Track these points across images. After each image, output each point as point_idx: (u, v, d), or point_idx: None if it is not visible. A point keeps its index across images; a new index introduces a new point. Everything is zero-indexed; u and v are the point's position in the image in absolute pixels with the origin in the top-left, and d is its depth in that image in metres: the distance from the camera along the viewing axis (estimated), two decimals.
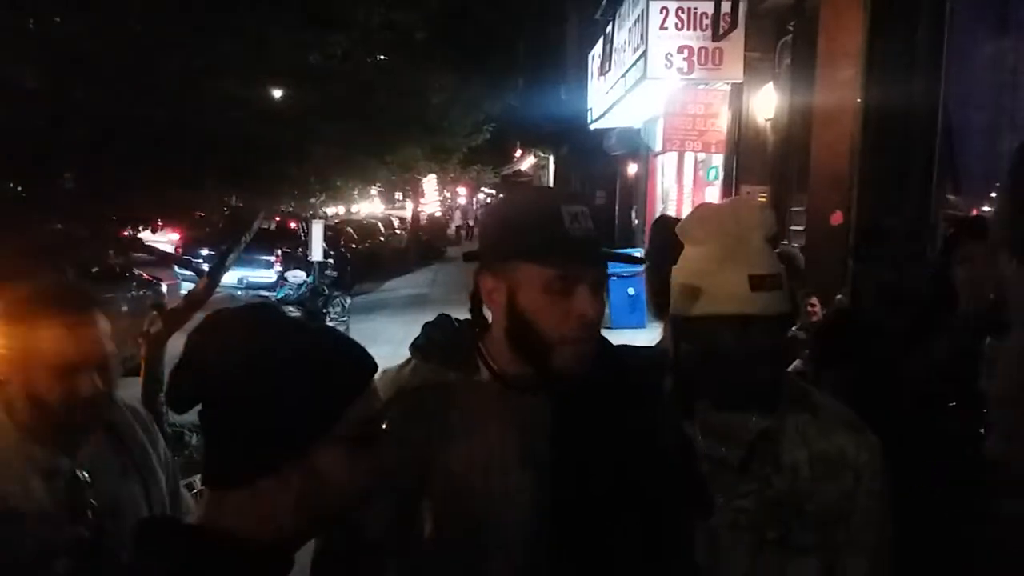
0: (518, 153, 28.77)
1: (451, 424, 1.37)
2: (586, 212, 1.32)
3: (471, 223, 36.36)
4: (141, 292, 9.65)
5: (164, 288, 10.27)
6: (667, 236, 1.79)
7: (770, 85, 7.54)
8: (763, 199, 7.43)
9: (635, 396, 1.43)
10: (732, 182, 8.04)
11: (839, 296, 4.97)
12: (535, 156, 27.74)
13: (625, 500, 1.31)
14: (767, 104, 7.56)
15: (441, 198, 40.92)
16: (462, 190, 40.70)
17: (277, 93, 6.35)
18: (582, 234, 1.30)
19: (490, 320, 1.41)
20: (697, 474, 1.43)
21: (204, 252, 11.94)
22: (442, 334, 1.46)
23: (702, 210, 1.63)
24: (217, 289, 7.74)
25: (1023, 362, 0.36)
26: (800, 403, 1.47)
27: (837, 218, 5.59)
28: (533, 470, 1.35)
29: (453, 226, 36.33)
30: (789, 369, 3.88)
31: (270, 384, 0.98)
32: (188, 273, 9.18)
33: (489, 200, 38.40)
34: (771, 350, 1.42)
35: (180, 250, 13.18)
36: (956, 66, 4.85)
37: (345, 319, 11.52)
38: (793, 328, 4.61)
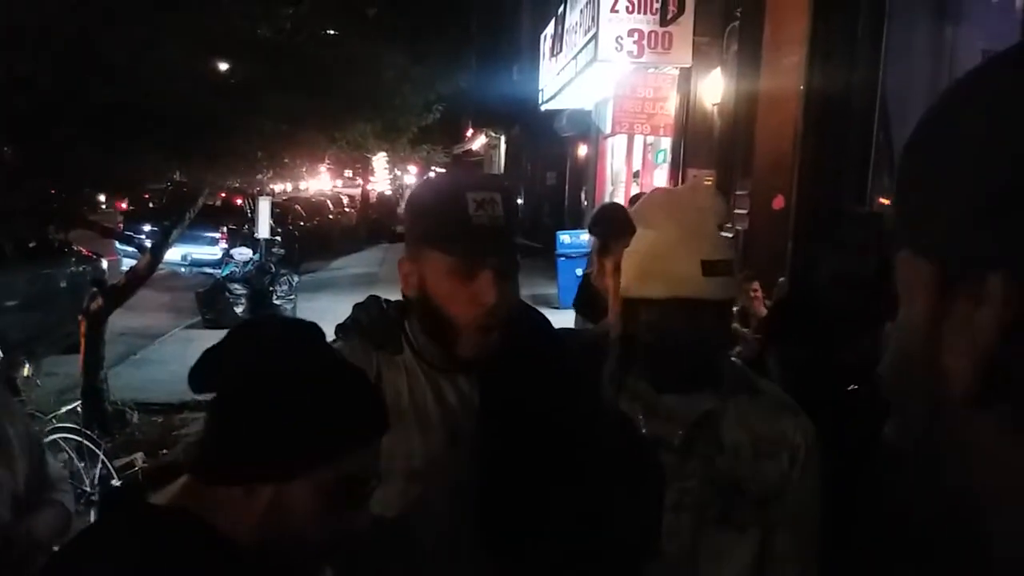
0: (469, 133, 28.64)
1: None
2: (496, 199, 1.33)
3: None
4: (81, 268, 9.42)
5: (105, 264, 10.05)
6: (610, 215, 1.81)
7: (718, 70, 7.63)
8: (709, 182, 7.55)
9: (567, 376, 1.46)
10: (680, 165, 8.14)
11: (781, 279, 5.09)
12: (486, 136, 27.65)
13: (551, 478, 1.33)
14: (714, 89, 7.66)
15: (391, 177, 40.55)
16: (412, 169, 40.40)
17: (224, 66, 6.23)
18: (486, 220, 1.31)
19: None
20: (638, 453, 1.47)
21: (147, 228, 11.68)
22: (368, 316, 1.48)
23: (658, 194, 1.67)
24: (160, 266, 7.61)
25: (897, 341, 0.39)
26: (741, 386, 1.51)
27: (779, 202, 5.71)
28: (456, 448, 1.38)
29: (403, 205, 36.04)
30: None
31: (287, 405, 0.99)
32: (130, 249, 8.98)
33: None
34: (719, 334, 1.47)
35: (122, 225, 12.86)
36: (896, 54, 4.98)
37: (292, 297, 11.40)
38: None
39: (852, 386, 2.21)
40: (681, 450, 1.45)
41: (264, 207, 11.99)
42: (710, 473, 1.44)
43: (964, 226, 0.40)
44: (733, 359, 1.71)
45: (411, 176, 44.70)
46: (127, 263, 9.12)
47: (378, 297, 1.53)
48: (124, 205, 16.28)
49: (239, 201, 16.12)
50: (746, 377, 1.56)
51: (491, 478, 1.36)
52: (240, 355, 1.03)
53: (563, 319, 3.44)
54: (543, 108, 13.93)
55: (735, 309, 4.78)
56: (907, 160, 0.45)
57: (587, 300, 3.33)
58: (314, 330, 1.08)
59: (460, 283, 1.32)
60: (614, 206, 2.14)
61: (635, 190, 10.86)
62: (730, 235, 6.33)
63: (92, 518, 4.10)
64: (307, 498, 0.99)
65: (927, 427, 0.43)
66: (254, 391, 1.00)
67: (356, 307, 1.50)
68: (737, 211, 6.62)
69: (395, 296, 1.53)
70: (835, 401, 2.15)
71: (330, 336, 1.49)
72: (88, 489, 4.75)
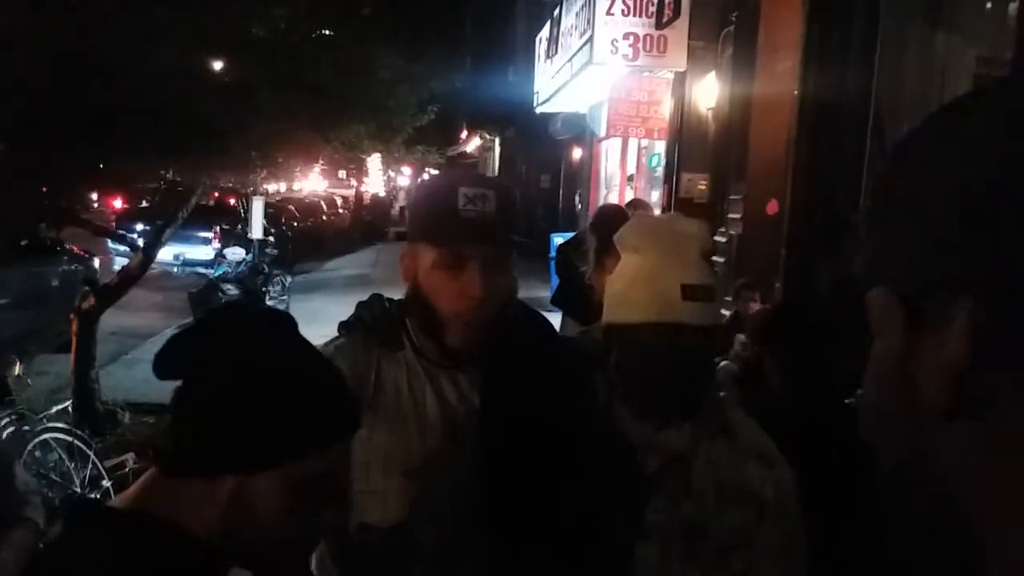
0: (464, 135, 28.64)
1: (376, 398, 1.40)
2: (488, 195, 1.36)
3: None
4: (73, 267, 9.40)
5: (97, 263, 10.01)
6: (609, 218, 1.82)
7: (712, 74, 7.65)
8: (703, 187, 7.56)
9: (566, 379, 1.46)
10: (674, 169, 8.15)
11: (777, 285, 5.10)
12: (481, 138, 27.65)
13: (549, 477, 1.34)
14: (709, 93, 7.68)
15: (385, 178, 40.52)
16: (407, 170, 40.38)
17: (219, 65, 6.22)
18: (474, 215, 1.34)
19: None
20: (627, 462, 1.46)
21: (139, 227, 11.65)
22: (370, 313, 1.50)
23: (639, 221, 1.65)
24: (153, 265, 7.58)
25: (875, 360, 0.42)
26: (717, 427, 1.48)
27: (773, 207, 5.73)
28: (455, 445, 1.39)
29: (397, 207, 36.06)
30: (727, 355, 3.98)
31: (256, 395, 0.96)
32: (123, 248, 8.96)
33: None
34: (697, 361, 1.43)
35: (115, 224, 12.83)
36: (889, 60, 4.99)
37: (285, 298, 11.38)
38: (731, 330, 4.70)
39: (856, 393, 2.21)
40: (653, 483, 1.44)
41: (257, 207, 11.97)
42: (676, 512, 1.42)
43: (926, 254, 0.43)
44: (721, 367, 1.70)
45: (405, 178, 44.72)
46: (120, 262, 9.09)
47: (381, 295, 1.55)
48: (119, 204, 16.23)
49: (232, 201, 16.10)
50: (725, 415, 1.52)
51: (490, 476, 1.36)
52: (210, 341, 0.99)
53: (557, 320, 3.44)
54: (538, 111, 13.93)
55: (728, 313, 4.81)
56: (872, 200, 0.49)
57: (575, 299, 3.32)
58: (287, 320, 1.05)
59: (447, 276, 1.35)
60: (615, 207, 2.15)
61: (629, 193, 10.88)
62: (723, 239, 6.35)
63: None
64: (273, 492, 0.96)
65: (907, 447, 0.46)
66: (221, 378, 0.96)
67: (359, 305, 1.53)
68: (731, 215, 6.63)
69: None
70: (836, 408, 2.15)
71: (322, 333, 1.51)
72: (78, 490, 4.73)
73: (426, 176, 43.39)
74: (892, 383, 0.46)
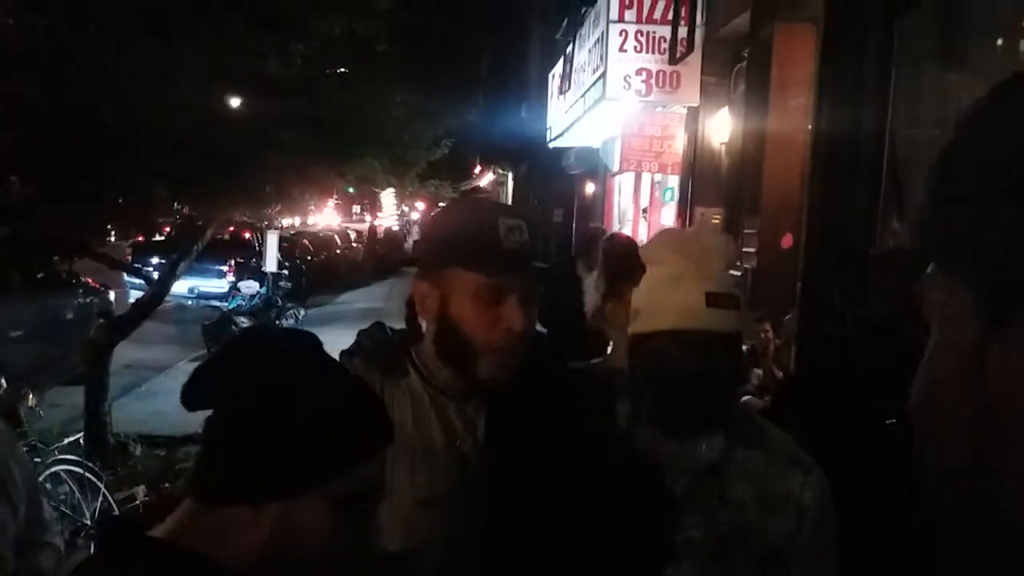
0: (477, 169, 28.82)
1: None
2: (523, 226, 1.34)
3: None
4: (88, 299, 9.46)
5: (112, 296, 10.07)
6: (620, 250, 1.82)
7: (725, 110, 7.68)
8: (717, 221, 7.55)
9: (578, 408, 1.44)
10: (687, 203, 8.14)
11: (788, 316, 5.06)
12: (494, 173, 27.81)
13: (559, 508, 1.31)
14: (722, 128, 7.70)
15: (399, 212, 40.76)
16: (420, 204, 40.63)
17: (235, 100, 6.29)
18: (516, 246, 1.32)
19: (424, 328, 1.43)
20: (651, 485, 1.44)
21: (155, 260, 11.73)
22: (372, 340, 1.48)
23: (665, 233, 1.68)
24: (167, 298, 7.61)
25: (928, 366, 0.38)
26: (749, 436, 1.47)
27: (787, 241, 5.70)
28: (461, 475, 1.37)
29: (410, 241, 36.22)
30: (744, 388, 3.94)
31: (293, 419, 0.95)
32: (137, 281, 9.01)
33: None
34: (724, 368, 1.42)
35: (130, 257, 12.92)
36: (903, 98, 4.99)
37: (257, 324, 11.41)
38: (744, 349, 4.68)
39: (890, 421, 2.17)
40: (685, 499, 1.42)
41: (272, 241, 12.05)
42: (713, 526, 1.40)
43: (1019, 251, 0.38)
44: (744, 401, 1.69)
45: (418, 213, 44.97)
46: (134, 295, 9.14)
47: (383, 323, 1.53)
48: (141, 238, 16.32)
49: (247, 235, 16.20)
50: (755, 425, 1.51)
51: (498, 506, 1.34)
52: (239, 368, 0.98)
53: None
54: (551, 145, 14.01)
55: (745, 347, 4.77)
56: (949, 183, 0.44)
57: (579, 340, 3.27)
58: (313, 340, 1.05)
59: (486, 305, 1.31)
60: (625, 239, 2.14)
61: (643, 226, 10.88)
62: (738, 274, 6.32)
63: (91, 551, 4.06)
64: (317, 514, 0.95)
65: (972, 457, 0.41)
66: (257, 403, 0.95)
67: (360, 332, 1.50)
68: (745, 250, 6.61)
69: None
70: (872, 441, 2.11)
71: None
72: (88, 522, 4.71)
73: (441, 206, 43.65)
74: (959, 384, 0.41)
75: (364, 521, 1.02)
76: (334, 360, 1.05)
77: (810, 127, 5.54)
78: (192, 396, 0.99)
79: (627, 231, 11.77)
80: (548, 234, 20.46)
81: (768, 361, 4.62)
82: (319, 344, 1.04)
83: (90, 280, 9.82)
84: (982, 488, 0.42)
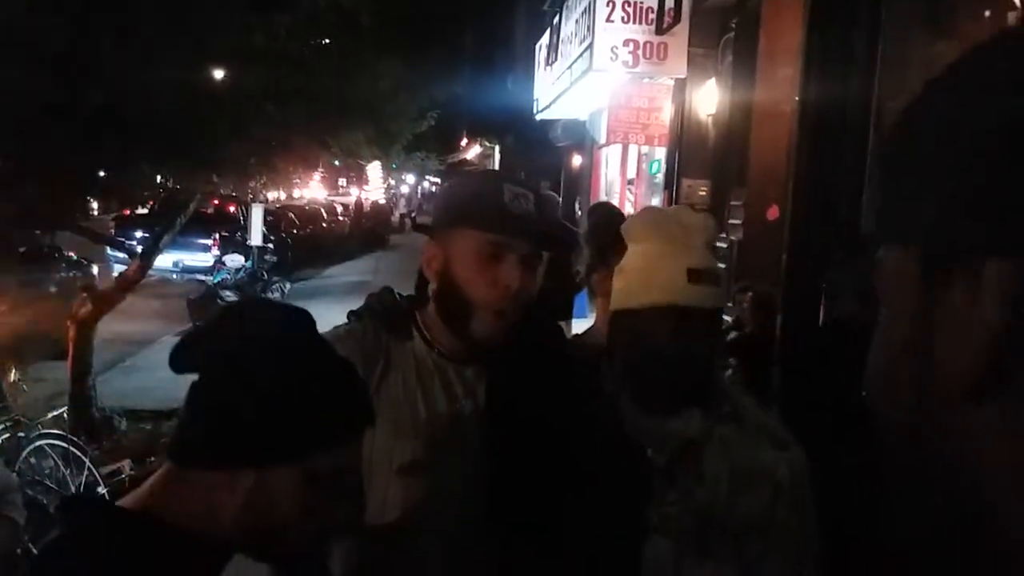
0: (464, 142, 28.67)
1: (381, 385, 1.39)
2: (529, 196, 1.38)
3: (415, 212, 36.12)
4: (71, 273, 9.39)
5: (95, 270, 10.00)
6: (606, 218, 1.82)
7: (712, 81, 7.64)
8: (703, 193, 7.55)
9: (570, 376, 1.46)
10: (674, 175, 8.13)
11: (768, 290, 5.07)
12: (481, 145, 27.66)
13: (555, 472, 1.33)
14: (709, 99, 7.67)
15: (386, 185, 40.56)
16: (407, 177, 40.45)
17: (219, 73, 6.22)
18: (520, 211, 1.36)
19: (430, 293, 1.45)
20: (636, 461, 1.44)
21: (138, 234, 11.63)
22: (381, 303, 1.50)
23: (646, 212, 1.69)
24: (151, 272, 7.55)
25: (877, 337, 0.38)
26: (727, 412, 1.47)
27: (773, 213, 5.71)
28: (461, 437, 1.39)
29: (397, 214, 36.07)
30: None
31: (280, 388, 0.96)
32: (121, 255, 8.94)
33: (435, 188, 38.17)
34: (703, 344, 1.43)
35: (114, 231, 12.81)
36: (890, 67, 4.98)
37: (256, 296, 11.38)
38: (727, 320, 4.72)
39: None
40: (665, 474, 1.43)
41: (257, 214, 11.97)
42: (689, 503, 1.41)
43: (955, 211, 0.38)
44: (724, 377, 1.68)
45: (406, 186, 44.71)
46: (118, 269, 9.07)
47: (391, 288, 1.56)
48: (125, 211, 16.19)
49: (232, 208, 16.08)
50: (734, 401, 1.51)
51: (495, 468, 1.36)
52: (229, 334, 0.99)
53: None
54: (538, 118, 13.93)
55: (729, 319, 4.79)
56: (891, 147, 0.42)
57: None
58: (306, 316, 1.05)
59: (487, 263, 1.35)
60: (609, 208, 2.14)
61: (629, 198, 10.87)
62: (724, 245, 6.33)
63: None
64: (292, 486, 0.96)
65: (919, 429, 0.40)
66: (242, 370, 0.96)
67: (370, 295, 1.53)
68: (731, 221, 6.61)
69: None
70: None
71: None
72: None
73: (427, 183, 43.46)
74: (904, 354, 0.40)
75: (338, 498, 1.02)
76: (324, 339, 1.06)
77: (797, 98, 5.52)
78: (181, 358, 0.99)
79: (613, 202, 11.76)
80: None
81: (749, 330, 4.65)
82: (312, 322, 1.05)
83: (73, 254, 9.73)
84: (923, 457, 0.42)
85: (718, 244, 1.48)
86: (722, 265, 5.81)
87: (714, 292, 1.42)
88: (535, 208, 1.38)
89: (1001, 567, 0.38)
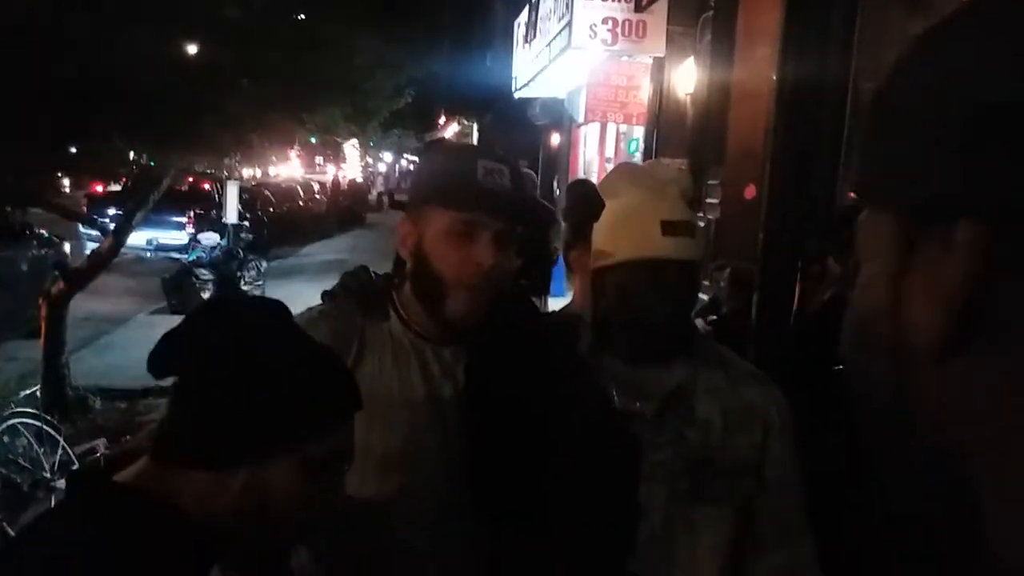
0: (442, 120, 28.50)
1: (356, 367, 1.37)
2: (504, 170, 1.35)
3: (394, 190, 35.94)
4: (43, 251, 9.24)
5: (67, 247, 9.86)
6: (583, 194, 1.81)
7: (691, 60, 7.64)
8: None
9: (547, 354, 1.45)
10: (652, 154, 8.14)
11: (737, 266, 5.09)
12: (459, 123, 27.52)
13: (534, 452, 1.33)
14: (688, 78, 7.67)
15: (363, 164, 40.26)
16: (384, 155, 40.18)
17: (192, 46, 6.12)
18: (493, 187, 1.33)
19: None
20: (617, 427, 1.45)
21: (111, 211, 11.47)
22: (355, 282, 1.48)
23: (620, 167, 1.68)
24: (125, 250, 7.46)
25: (854, 301, 0.39)
26: (710, 359, 1.50)
27: (751, 192, 5.73)
28: (439, 418, 1.37)
29: (375, 192, 35.85)
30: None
31: (266, 382, 0.95)
32: (94, 233, 8.81)
33: (412, 167, 37.99)
34: (682, 294, 1.45)
35: (86, 208, 12.62)
36: (868, 47, 5.00)
37: (260, 283, 11.27)
38: (704, 298, 4.75)
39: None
40: (654, 423, 1.44)
41: (232, 192, 11.82)
42: (681, 446, 1.43)
43: (927, 171, 0.39)
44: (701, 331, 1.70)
45: (384, 164, 44.41)
46: (91, 246, 8.94)
47: (367, 267, 1.53)
48: (99, 188, 15.97)
49: (207, 186, 15.89)
50: (715, 349, 1.56)
51: (476, 451, 1.35)
52: (207, 335, 0.98)
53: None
54: (516, 96, 13.88)
55: (705, 297, 4.81)
56: (873, 112, 0.44)
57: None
58: (280, 308, 1.04)
59: (459, 241, 1.33)
60: (586, 185, 2.12)
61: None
62: (701, 224, 6.35)
63: (52, 504, 4.02)
64: (286, 478, 0.96)
65: (894, 387, 0.41)
66: (225, 371, 0.95)
67: (345, 274, 1.51)
68: (709, 200, 6.63)
69: None
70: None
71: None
72: (47, 475, 4.66)
73: (404, 162, 43.18)
74: (879, 314, 0.41)
75: (332, 485, 1.03)
76: (301, 329, 1.05)
77: (775, 77, 5.53)
78: (159, 363, 0.98)
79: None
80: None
81: (726, 311, 4.67)
82: (288, 312, 1.05)
83: (44, 231, 9.59)
84: (899, 419, 0.42)
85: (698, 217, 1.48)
86: (700, 216, 5.84)
87: (689, 243, 1.42)
88: (511, 182, 1.35)
89: (979, 531, 0.38)
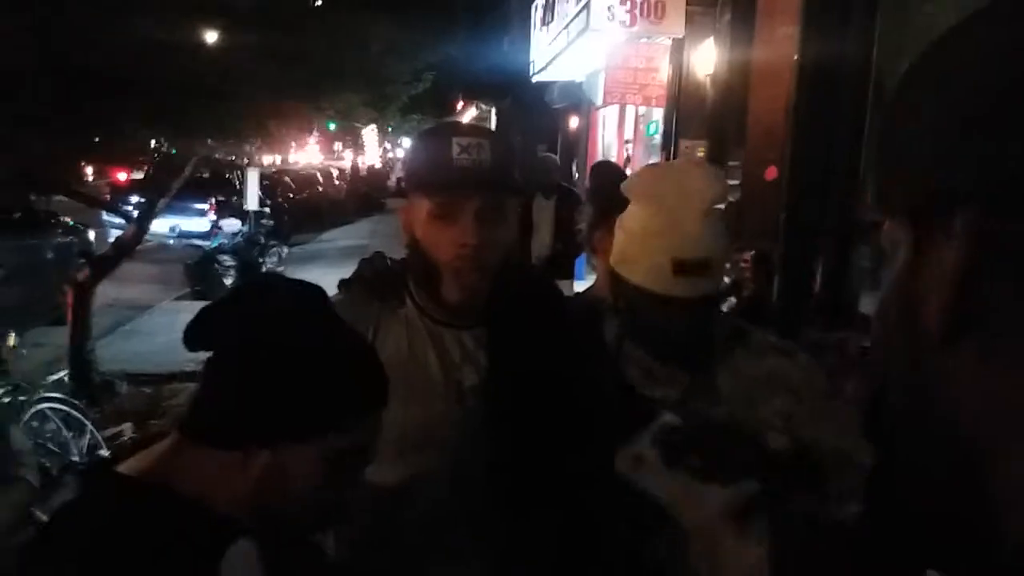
0: (460, 105, 28.42)
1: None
2: (483, 144, 1.33)
3: None
4: (68, 239, 9.36)
5: (91, 235, 9.97)
6: (608, 174, 1.80)
7: (711, 40, 7.56)
8: (701, 153, 7.51)
9: (571, 338, 1.45)
10: (672, 136, 8.08)
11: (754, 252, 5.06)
12: (477, 108, 27.43)
13: (557, 437, 1.33)
14: (707, 59, 7.59)
15: (382, 150, 40.30)
16: (403, 141, 40.16)
17: (209, 33, 6.15)
18: (469, 164, 1.32)
19: None
20: (639, 414, 1.45)
21: (135, 199, 11.57)
22: (372, 270, 1.48)
23: (648, 170, 1.62)
24: (148, 238, 7.53)
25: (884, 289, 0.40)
26: (732, 338, 1.49)
27: (771, 173, 5.69)
28: (459, 403, 1.38)
29: (393, 178, 35.88)
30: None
31: (298, 368, 0.95)
32: (117, 220, 8.90)
33: None
34: (692, 329, 1.43)
35: (110, 196, 12.74)
36: (888, 25, 4.93)
37: (281, 269, 11.35)
38: (726, 281, 4.73)
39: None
40: (679, 407, 1.44)
41: (252, 178, 11.88)
42: (706, 424, 1.42)
43: (928, 164, 0.41)
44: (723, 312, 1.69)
45: (402, 150, 44.40)
46: (114, 234, 9.04)
47: (383, 253, 1.53)
48: (124, 175, 16.08)
49: (227, 173, 15.98)
50: (737, 327, 1.54)
51: (496, 435, 1.35)
52: (246, 314, 0.97)
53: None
54: (534, 80, 13.80)
55: (728, 280, 4.80)
56: (882, 122, 0.47)
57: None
58: (319, 293, 1.04)
59: (441, 225, 1.33)
60: (611, 168, 2.11)
61: (627, 156, 10.81)
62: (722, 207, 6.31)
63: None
64: (308, 466, 0.95)
65: (910, 374, 0.44)
66: (259, 350, 0.95)
67: (362, 261, 1.52)
68: (729, 182, 6.58)
69: None
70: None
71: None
72: (76, 459, 4.73)
73: None
74: (897, 309, 0.44)
75: (352, 477, 1.02)
76: (339, 317, 1.04)
77: (796, 57, 5.47)
78: (195, 335, 0.97)
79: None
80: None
81: (746, 291, 4.66)
82: (326, 298, 1.05)
83: (69, 219, 9.70)
84: (915, 404, 0.45)
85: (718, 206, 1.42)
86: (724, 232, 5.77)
87: (701, 282, 1.37)
88: (490, 155, 1.33)
89: (992, 510, 0.40)
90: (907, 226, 0.43)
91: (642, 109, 9.75)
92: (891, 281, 0.45)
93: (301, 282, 1.06)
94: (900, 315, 0.44)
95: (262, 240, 11.61)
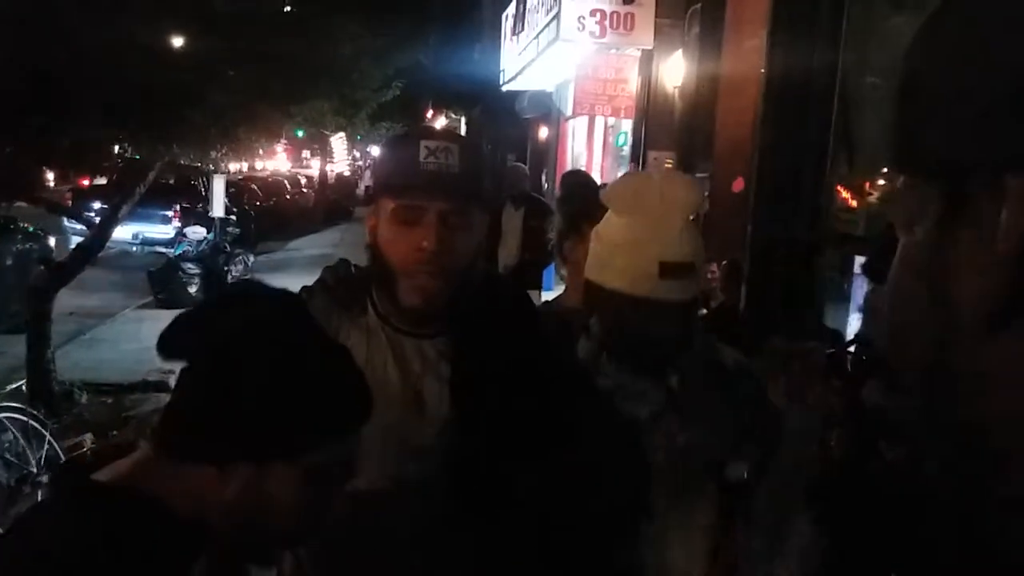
0: (430, 114, 28.38)
1: None
2: (452, 149, 1.32)
3: None
4: (27, 245, 9.18)
5: (52, 241, 9.78)
6: (578, 184, 1.80)
7: (679, 52, 7.62)
8: (669, 164, 7.56)
9: (539, 347, 1.44)
10: (640, 147, 8.13)
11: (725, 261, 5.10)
12: (447, 117, 27.42)
13: (520, 447, 1.31)
14: (676, 71, 7.65)
15: (350, 157, 40.11)
16: (372, 149, 40.02)
17: (178, 37, 6.07)
18: (436, 168, 1.31)
19: None
20: (614, 426, 1.44)
21: (97, 205, 11.38)
22: (335, 276, 1.46)
23: (629, 180, 1.64)
24: (111, 244, 7.40)
25: (893, 272, 0.37)
26: (701, 362, 1.51)
27: (739, 185, 5.74)
28: (419, 413, 1.36)
29: (362, 186, 35.70)
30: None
31: (278, 382, 0.91)
32: (79, 227, 8.74)
33: None
34: (677, 333, 1.44)
35: (71, 202, 12.52)
36: (855, 38, 5.01)
37: (247, 278, 11.21)
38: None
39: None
40: (647, 427, 1.44)
41: (219, 185, 11.74)
42: (674, 444, 1.44)
43: (974, 132, 0.36)
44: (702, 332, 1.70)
45: (372, 159, 44.23)
46: (75, 240, 8.88)
47: (348, 260, 1.52)
48: (86, 181, 15.83)
49: (193, 180, 15.78)
50: (710, 346, 1.56)
51: (458, 444, 1.33)
52: (223, 323, 0.93)
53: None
54: (504, 89, 13.83)
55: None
56: (908, 77, 0.42)
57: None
58: (299, 302, 1.02)
59: (404, 228, 1.32)
60: (582, 176, 2.11)
61: (596, 166, 10.86)
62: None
63: (39, 499, 3.99)
64: (289, 482, 0.92)
65: (936, 362, 0.39)
66: (238, 362, 0.91)
67: (325, 268, 1.50)
68: None
69: None
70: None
71: None
72: (34, 470, 4.62)
73: None
74: (920, 287, 0.39)
75: (333, 493, 1.00)
76: (321, 329, 1.02)
77: (763, 70, 5.53)
78: (170, 344, 0.93)
79: None
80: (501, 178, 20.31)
81: (713, 301, 4.69)
82: (306, 309, 1.02)
83: (28, 225, 9.51)
84: (942, 389, 0.41)
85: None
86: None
87: (686, 285, 1.41)
88: (458, 160, 1.32)
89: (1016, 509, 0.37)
90: (936, 194, 0.38)
91: (611, 120, 9.81)
92: (907, 258, 0.40)
93: (282, 292, 1.02)
94: (924, 293, 0.39)
95: (228, 248, 11.47)
